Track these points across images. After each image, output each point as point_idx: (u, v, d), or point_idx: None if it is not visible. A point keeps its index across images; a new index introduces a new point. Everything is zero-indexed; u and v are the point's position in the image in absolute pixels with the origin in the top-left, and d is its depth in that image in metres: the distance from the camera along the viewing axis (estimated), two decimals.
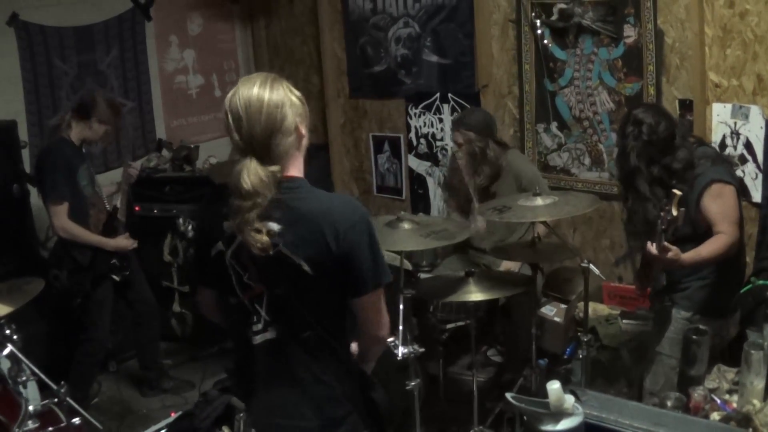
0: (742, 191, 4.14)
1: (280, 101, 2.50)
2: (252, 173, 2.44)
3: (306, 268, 2.49)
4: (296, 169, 2.60)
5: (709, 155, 3.87)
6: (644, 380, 4.16)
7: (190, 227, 5.72)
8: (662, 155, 3.81)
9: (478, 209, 4.75)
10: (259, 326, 2.60)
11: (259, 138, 2.48)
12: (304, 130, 2.60)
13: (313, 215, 2.51)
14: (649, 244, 3.50)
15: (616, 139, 4.22)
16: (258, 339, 2.61)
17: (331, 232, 2.48)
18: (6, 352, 3.73)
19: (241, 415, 4.05)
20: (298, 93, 2.60)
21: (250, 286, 2.58)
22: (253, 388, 2.74)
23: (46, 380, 3.80)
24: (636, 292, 4.43)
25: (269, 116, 2.47)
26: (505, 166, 5.05)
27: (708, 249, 3.67)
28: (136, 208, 6.07)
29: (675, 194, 3.32)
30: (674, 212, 3.32)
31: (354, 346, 2.83)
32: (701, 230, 3.73)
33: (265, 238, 2.45)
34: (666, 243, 3.43)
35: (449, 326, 4.94)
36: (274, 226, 2.47)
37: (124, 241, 5.29)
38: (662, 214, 3.37)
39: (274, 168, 2.49)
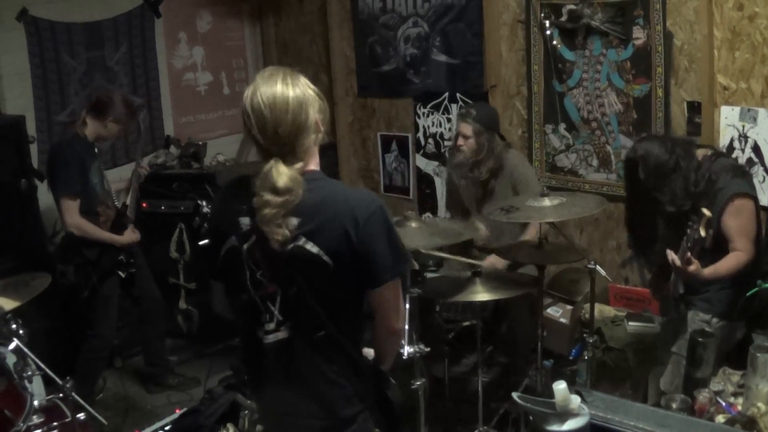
0: None
1: (303, 100, 2.49)
2: (282, 173, 2.45)
3: (325, 258, 2.48)
4: (314, 163, 2.62)
5: (728, 168, 3.84)
6: (650, 381, 4.16)
7: (205, 224, 5.72)
8: (671, 181, 3.81)
9: (485, 209, 4.74)
10: (272, 326, 2.59)
11: (284, 138, 2.48)
12: (322, 126, 2.60)
13: (332, 206, 2.51)
14: (670, 253, 3.50)
15: (625, 182, 4.25)
16: (270, 339, 2.60)
17: (351, 221, 2.48)
18: (12, 346, 3.73)
19: (246, 412, 4.07)
20: (314, 87, 2.59)
21: (263, 283, 2.57)
22: (261, 387, 2.74)
23: (52, 375, 3.80)
24: (652, 297, 4.45)
25: (295, 117, 2.47)
26: (505, 164, 5.06)
27: (726, 266, 3.69)
28: (144, 205, 6.09)
29: (704, 215, 3.31)
30: (702, 233, 3.31)
31: (370, 352, 2.83)
32: (721, 243, 3.73)
33: (285, 232, 2.45)
34: (689, 255, 3.43)
35: (455, 326, 4.94)
36: (293, 220, 2.47)
37: (132, 235, 5.30)
38: (689, 231, 3.37)
39: (298, 165, 2.50)
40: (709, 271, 3.59)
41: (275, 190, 2.44)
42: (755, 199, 3.84)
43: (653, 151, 3.85)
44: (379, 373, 2.82)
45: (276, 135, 2.47)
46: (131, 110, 5.26)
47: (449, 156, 5.41)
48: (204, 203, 5.57)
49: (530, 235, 4.91)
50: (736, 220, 3.73)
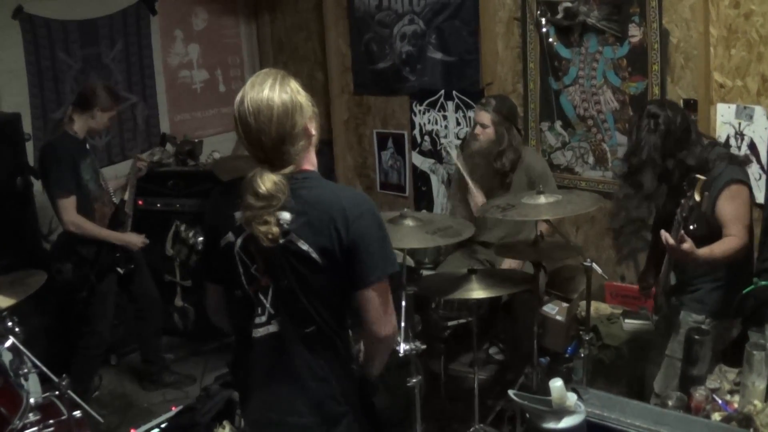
0: None
1: (289, 108, 2.50)
2: (266, 180, 2.47)
3: (315, 256, 2.50)
4: (308, 163, 2.63)
5: (724, 156, 3.83)
6: (646, 381, 4.15)
7: (191, 234, 5.70)
8: (677, 149, 3.78)
9: (481, 207, 4.73)
10: (263, 319, 2.61)
11: (269, 147, 2.50)
12: (313, 130, 2.62)
13: (324, 204, 2.53)
14: (663, 233, 3.46)
15: (630, 133, 4.14)
16: (260, 332, 2.62)
17: (341, 219, 2.50)
18: (8, 344, 3.72)
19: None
20: (305, 93, 2.60)
21: (257, 278, 2.59)
22: (249, 383, 2.75)
23: (48, 373, 3.79)
24: (640, 293, 4.43)
25: (279, 126, 2.48)
26: (523, 158, 5.07)
27: (721, 248, 3.61)
28: (139, 202, 6.07)
29: (699, 179, 3.26)
30: (697, 197, 3.24)
31: (361, 346, 2.83)
32: (717, 230, 3.70)
33: (274, 229, 2.47)
34: (683, 233, 3.37)
35: (451, 323, 4.93)
36: (286, 216, 2.49)
37: (134, 238, 5.29)
38: (683, 201, 3.32)
39: (287, 170, 2.51)
40: (704, 251, 3.51)
41: (257, 195, 2.47)
42: (750, 187, 3.83)
43: (676, 117, 3.81)
44: (366, 380, 2.83)
45: (260, 142, 2.50)
46: (115, 96, 5.25)
47: (464, 144, 5.42)
48: (187, 228, 5.60)
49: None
50: (731, 206, 3.70)
